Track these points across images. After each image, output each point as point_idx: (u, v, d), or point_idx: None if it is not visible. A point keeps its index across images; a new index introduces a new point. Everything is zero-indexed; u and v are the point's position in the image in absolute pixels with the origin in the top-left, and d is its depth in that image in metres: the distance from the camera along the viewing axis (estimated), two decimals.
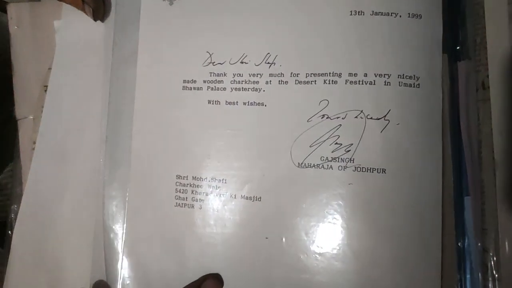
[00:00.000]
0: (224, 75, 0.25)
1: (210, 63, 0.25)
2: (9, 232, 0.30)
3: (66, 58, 0.30)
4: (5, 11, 0.35)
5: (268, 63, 0.24)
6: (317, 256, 0.22)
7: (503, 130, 0.21)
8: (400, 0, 0.23)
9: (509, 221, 0.21)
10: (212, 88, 0.25)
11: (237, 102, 0.25)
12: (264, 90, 0.24)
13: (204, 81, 0.25)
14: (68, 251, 0.28)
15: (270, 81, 0.24)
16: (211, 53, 0.25)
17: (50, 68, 0.30)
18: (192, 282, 0.24)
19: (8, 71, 0.42)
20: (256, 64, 0.25)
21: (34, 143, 0.30)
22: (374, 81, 0.23)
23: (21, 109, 0.30)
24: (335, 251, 0.22)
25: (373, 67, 0.23)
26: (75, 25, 0.29)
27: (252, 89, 0.25)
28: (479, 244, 0.22)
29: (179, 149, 0.25)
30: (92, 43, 0.29)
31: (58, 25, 0.30)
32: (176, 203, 0.25)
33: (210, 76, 0.25)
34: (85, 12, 0.28)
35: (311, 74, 0.24)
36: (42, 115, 0.29)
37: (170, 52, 0.26)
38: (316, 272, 0.22)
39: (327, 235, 0.22)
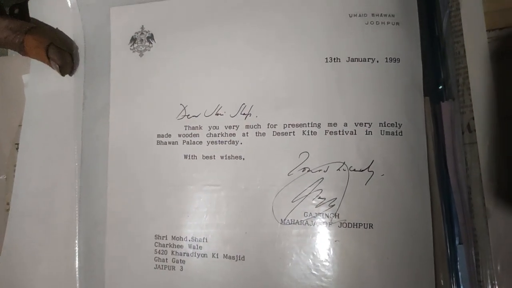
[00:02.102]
0: (200, 128, 0.24)
1: (184, 115, 0.24)
2: None
3: (36, 114, 0.28)
4: None
5: (244, 114, 0.23)
6: None
7: (492, 176, 0.20)
8: (376, 45, 0.22)
9: (506, 275, 0.19)
10: (188, 142, 0.24)
11: (214, 156, 0.24)
12: (241, 143, 0.23)
13: (179, 135, 0.24)
14: None
15: (247, 133, 0.23)
16: (185, 106, 0.24)
17: (20, 125, 0.29)
18: None
19: None
20: (232, 115, 0.23)
21: (8, 204, 0.28)
22: (355, 130, 0.21)
23: None
24: None
25: (353, 116, 0.22)
26: (44, 79, 0.28)
27: (229, 142, 0.23)
28: None
29: (157, 208, 0.24)
30: (62, 97, 0.28)
31: (26, 79, 0.29)
32: (156, 265, 0.24)
33: (185, 129, 0.24)
34: (52, 67, 0.27)
35: (288, 125, 0.22)
36: (15, 175, 0.28)
37: (143, 105, 0.25)
38: None
39: None
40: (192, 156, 0.24)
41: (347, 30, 0.23)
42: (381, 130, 0.21)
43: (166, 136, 0.24)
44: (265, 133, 0.23)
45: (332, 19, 0.23)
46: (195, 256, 0.23)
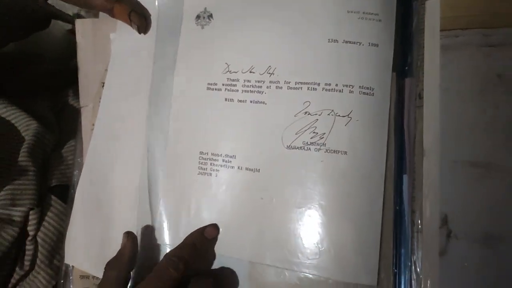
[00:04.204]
0: (237, 80, 0.34)
1: (227, 71, 0.35)
2: (72, 191, 0.40)
3: (119, 63, 0.39)
4: (67, 22, 0.45)
5: (269, 73, 0.34)
6: (297, 210, 0.32)
7: (429, 127, 0.30)
8: (363, 33, 0.32)
9: (428, 191, 0.30)
10: (228, 89, 0.35)
11: (245, 100, 0.34)
12: (265, 93, 0.34)
13: (223, 84, 0.35)
14: (118, 205, 0.37)
15: (270, 86, 0.34)
16: (228, 64, 0.35)
17: (106, 70, 0.39)
18: (197, 229, 0.33)
19: (64, 71, 0.52)
20: (261, 73, 0.34)
21: (93, 125, 0.40)
22: (342, 89, 0.32)
23: (83, 100, 0.40)
24: (310, 207, 0.31)
25: (342, 80, 0.32)
26: (126, 37, 0.39)
27: (257, 92, 0.34)
28: (410, 208, 0.31)
29: (204, 132, 0.35)
30: (138, 52, 0.38)
31: (113, 37, 0.39)
32: (199, 172, 0.35)
33: (227, 81, 0.35)
34: (132, 27, 0.37)
35: (299, 82, 0.33)
36: (100, 105, 0.39)
37: (199, 62, 0.36)
38: (296, 221, 0.32)
39: (305, 197, 0.32)
40: (230, 99, 0.34)
41: (345, 21, 0.33)
42: (359, 91, 0.32)
43: (213, 84, 0.35)
44: (282, 87, 0.33)
45: (335, 13, 0.33)
46: (225, 167, 0.34)
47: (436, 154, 0.30)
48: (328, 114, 0.32)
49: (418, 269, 0.30)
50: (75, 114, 0.43)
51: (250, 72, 0.34)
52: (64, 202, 0.40)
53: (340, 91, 0.32)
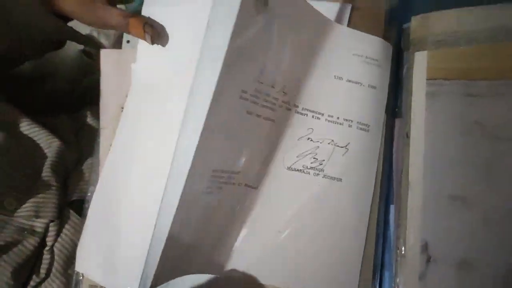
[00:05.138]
0: (261, 92, 0.32)
1: (258, 80, 0.32)
2: (86, 206, 0.43)
3: (138, 89, 0.43)
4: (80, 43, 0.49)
5: (284, 92, 0.35)
6: (286, 230, 0.35)
7: (414, 163, 0.35)
8: (364, 75, 0.37)
9: (412, 219, 0.34)
10: (252, 101, 0.32)
11: (261, 115, 0.34)
12: (276, 111, 0.34)
13: (250, 95, 0.32)
14: (128, 220, 0.40)
15: (282, 105, 0.35)
16: (261, 70, 0.32)
17: (126, 95, 0.43)
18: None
19: (77, 91, 0.55)
20: (277, 91, 0.34)
21: (111, 145, 0.43)
22: (343, 123, 0.36)
23: (103, 122, 0.43)
24: (299, 227, 0.35)
25: (343, 114, 0.36)
26: (143, 68, 0.43)
27: (270, 108, 0.34)
28: (395, 235, 0.35)
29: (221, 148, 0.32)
30: (155, 84, 0.42)
31: (133, 67, 0.43)
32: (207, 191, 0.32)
33: (254, 91, 0.32)
34: (145, 40, 0.38)
35: (306, 108, 0.36)
36: (117, 128, 0.43)
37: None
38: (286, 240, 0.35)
39: (300, 214, 0.35)
40: (250, 112, 0.33)
41: (350, 63, 0.37)
42: (357, 126, 0.36)
43: (244, 92, 0.31)
44: (291, 109, 0.36)
45: (343, 54, 0.37)
46: (228, 184, 0.33)
47: (419, 187, 0.34)
48: (329, 143, 0.36)
49: None
50: (93, 134, 0.46)
51: (272, 86, 0.34)
52: (80, 215, 0.43)
53: (341, 124, 0.36)
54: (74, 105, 0.55)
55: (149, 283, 0.29)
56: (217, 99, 0.28)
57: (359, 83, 0.37)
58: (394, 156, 0.37)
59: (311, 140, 0.36)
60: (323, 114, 0.37)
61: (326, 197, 0.35)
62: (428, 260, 0.33)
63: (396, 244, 0.35)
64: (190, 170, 0.28)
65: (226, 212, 0.35)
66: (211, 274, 0.35)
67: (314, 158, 0.36)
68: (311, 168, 0.36)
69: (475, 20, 0.35)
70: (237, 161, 0.34)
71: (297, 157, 0.36)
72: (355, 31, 0.38)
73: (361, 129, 0.36)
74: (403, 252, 0.34)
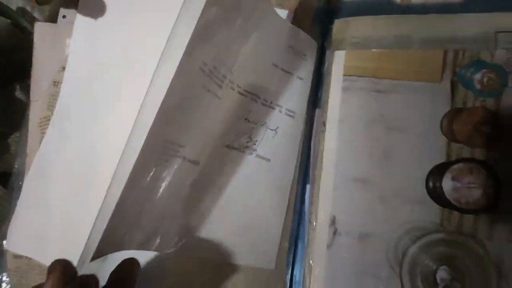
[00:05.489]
0: (215, 69, 0.34)
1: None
2: (13, 178, 0.42)
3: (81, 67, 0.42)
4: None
5: (231, 71, 0.36)
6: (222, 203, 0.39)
7: (328, 149, 0.39)
8: (294, 67, 0.41)
9: (323, 198, 0.39)
10: (210, 76, 0.34)
11: (210, 91, 0.34)
12: (223, 88, 0.36)
13: (210, 70, 0.33)
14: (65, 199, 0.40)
15: (228, 84, 0.37)
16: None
17: (58, 70, 0.43)
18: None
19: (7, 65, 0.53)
20: (226, 68, 0.36)
21: (40, 119, 0.43)
22: (274, 107, 0.40)
23: (34, 95, 0.43)
24: (233, 202, 0.39)
25: (275, 100, 0.41)
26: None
27: (218, 85, 0.35)
28: (309, 211, 0.40)
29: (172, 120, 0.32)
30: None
31: (70, 42, 0.43)
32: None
33: (213, 68, 0.34)
34: None
35: (246, 90, 0.39)
36: (57, 103, 0.42)
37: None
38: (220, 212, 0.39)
39: (233, 190, 0.39)
40: (205, 87, 0.34)
41: (285, 53, 0.41)
42: (286, 112, 0.41)
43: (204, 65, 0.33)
44: (234, 89, 0.38)
45: (280, 44, 0.41)
46: (175, 156, 0.34)
47: (331, 170, 0.39)
48: (262, 125, 0.40)
49: (310, 259, 0.39)
50: (22, 107, 0.45)
51: (223, 64, 0.35)
52: (4, 187, 0.43)
53: (273, 108, 0.40)
54: (2, 80, 0.53)
55: (90, 255, 0.29)
56: (183, 64, 0.29)
57: (290, 73, 0.41)
58: (312, 142, 0.41)
59: (248, 121, 0.39)
60: (259, 97, 0.40)
61: (256, 176, 0.40)
62: (335, 232, 0.38)
63: (309, 218, 0.39)
64: (147, 136, 0.29)
65: (170, 188, 0.34)
66: (151, 250, 0.36)
67: (249, 138, 0.39)
68: (246, 147, 0.39)
69: (386, 27, 0.41)
70: (185, 134, 0.34)
71: (235, 135, 0.39)
72: (293, 26, 0.42)
73: (288, 115, 0.40)
74: (314, 225, 0.39)
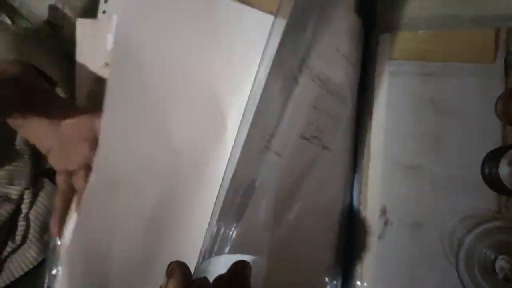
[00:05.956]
0: (303, 60, 0.36)
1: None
2: None
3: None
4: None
5: (309, 56, 0.36)
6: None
7: (376, 136, 0.38)
8: (350, 52, 0.40)
9: (372, 187, 0.38)
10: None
11: (298, 81, 0.36)
12: (301, 73, 0.36)
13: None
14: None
15: (304, 70, 0.36)
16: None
17: (103, 65, 0.44)
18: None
19: None
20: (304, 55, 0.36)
21: None
22: (335, 95, 0.39)
23: (78, 95, 0.44)
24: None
25: (336, 86, 0.39)
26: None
27: (298, 70, 0.36)
28: (358, 200, 0.39)
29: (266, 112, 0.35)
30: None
31: (110, 37, 0.43)
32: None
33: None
34: None
35: (316, 76, 0.37)
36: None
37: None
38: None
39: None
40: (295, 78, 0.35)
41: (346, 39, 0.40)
42: (343, 99, 0.39)
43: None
44: (307, 74, 0.36)
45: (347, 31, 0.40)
46: (268, 149, 0.33)
47: (379, 157, 0.38)
48: (326, 114, 0.38)
49: (361, 250, 0.38)
50: None
51: (302, 47, 0.36)
52: (54, 184, 0.44)
53: (334, 95, 0.38)
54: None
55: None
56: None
57: (346, 58, 0.39)
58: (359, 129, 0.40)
59: (316, 109, 0.37)
60: (325, 84, 0.37)
61: (320, 166, 0.37)
62: (386, 222, 0.37)
63: (359, 208, 0.39)
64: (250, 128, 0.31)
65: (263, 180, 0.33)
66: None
67: (316, 127, 0.37)
68: (314, 137, 0.37)
69: (433, 7, 0.39)
70: (276, 124, 0.34)
71: (306, 125, 0.36)
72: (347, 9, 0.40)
73: (344, 103, 0.39)
74: (364, 215, 0.38)
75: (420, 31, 0.39)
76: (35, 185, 0.42)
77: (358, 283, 0.37)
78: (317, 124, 0.36)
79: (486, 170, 0.35)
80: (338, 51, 0.39)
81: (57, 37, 0.49)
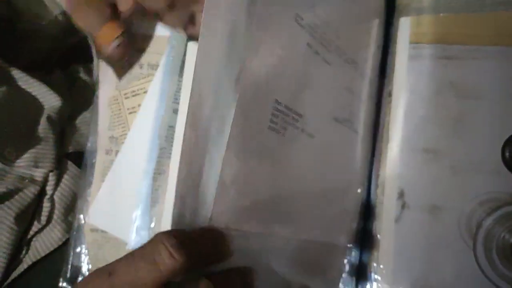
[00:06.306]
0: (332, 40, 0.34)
1: None
2: (86, 157, 0.44)
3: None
4: None
5: (338, 36, 0.34)
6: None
7: (394, 120, 0.38)
8: (376, 34, 0.41)
9: (390, 170, 0.38)
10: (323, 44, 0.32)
11: (328, 61, 0.34)
12: (332, 53, 0.34)
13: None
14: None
15: (337, 50, 0.34)
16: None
17: None
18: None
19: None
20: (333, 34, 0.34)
21: (108, 99, 0.44)
22: (365, 77, 0.40)
23: (101, 75, 0.44)
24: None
25: (366, 69, 0.40)
26: None
27: (326, 49, 0.33)
28: (376, 183, 0.39)
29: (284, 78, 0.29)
30: None
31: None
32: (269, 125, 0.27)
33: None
34: None
35: (350, 58, 0.36)
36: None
37: None
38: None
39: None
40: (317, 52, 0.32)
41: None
42: (370, 82, 0.40)
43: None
44: (340, 56, 0.35)
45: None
46: (292, 126, 0.30)
47: (397, 141, 0.38)
48: (357, 97, 0.38)
49: (378, 233, 0.38)
50: (87, 89, 0.47)
51: (328, 25, 0.32)
52: (78, 166, 0.45)
53: (364, 78, 0.39)
54: (62, 62, 0.55)
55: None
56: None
57: (374, 39, 0.40)
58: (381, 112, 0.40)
59: (348, 91, 0.36)
60: (359, 66, 0.36)
61: (348, 149, 0.38)
62: (403, 205, 0.37)
63: (376, 191, 0.39)
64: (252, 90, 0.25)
65: (283, 161, 0.29)
66: None
67: (350, 110, 0.37)
68: (347, 120, 0.36)
69: None
70: (300, 100, 0.29)
71: (340, 107, 0.35)
72: None
73: (372, 86, 0.40)
74: (382, 198, 0.38)
75: (441, 14, 0.38)
76: (59, 167, 0.44)
77: (375, 264, 0.37)
78: (350, 107, 0.37)
79: (507, 154, 0.35)
80: (368, 33, 0.39)
81: None
